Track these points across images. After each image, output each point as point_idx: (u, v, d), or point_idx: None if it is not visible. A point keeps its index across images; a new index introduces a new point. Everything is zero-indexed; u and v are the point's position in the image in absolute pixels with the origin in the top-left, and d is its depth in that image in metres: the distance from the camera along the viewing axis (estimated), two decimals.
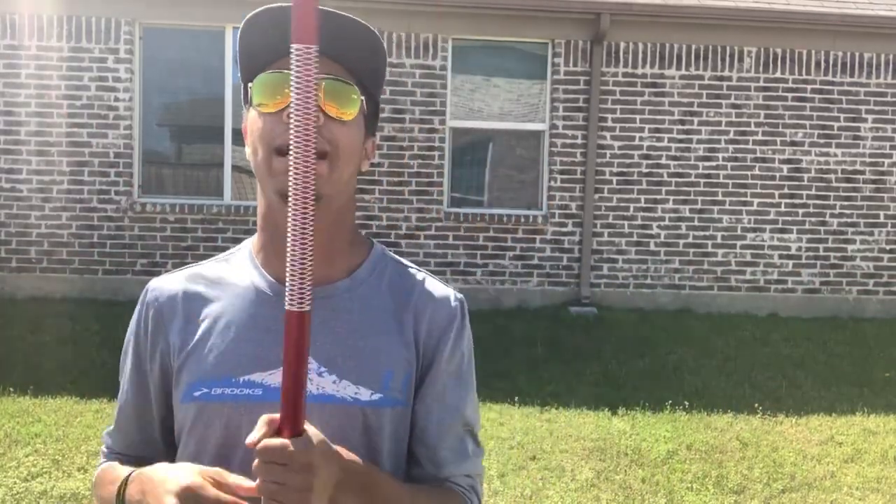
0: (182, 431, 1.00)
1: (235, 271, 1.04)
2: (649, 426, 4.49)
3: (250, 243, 1.07)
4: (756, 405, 4.87)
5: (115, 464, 1.07)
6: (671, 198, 7.11)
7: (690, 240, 7.16)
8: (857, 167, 7.22)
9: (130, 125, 6.76)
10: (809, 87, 7.13)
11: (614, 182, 7.07)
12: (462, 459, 1.05)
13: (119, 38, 6.69)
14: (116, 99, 6.72)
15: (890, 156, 7.24)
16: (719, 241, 7.19)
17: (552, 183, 7.04)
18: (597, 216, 7.07)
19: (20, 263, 6.74)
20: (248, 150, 1.00)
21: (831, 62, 7.13)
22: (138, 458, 1.05)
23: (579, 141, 7.02)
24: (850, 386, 5.37)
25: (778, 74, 7.10)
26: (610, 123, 7.04)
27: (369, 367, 0.98)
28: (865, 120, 7.18)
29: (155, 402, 1.05)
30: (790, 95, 7.12)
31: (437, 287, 1.06)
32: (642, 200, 7.10)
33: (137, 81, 6.81)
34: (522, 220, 7.03)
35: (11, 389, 4.63)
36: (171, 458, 1.02)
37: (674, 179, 7.10)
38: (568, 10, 6.79)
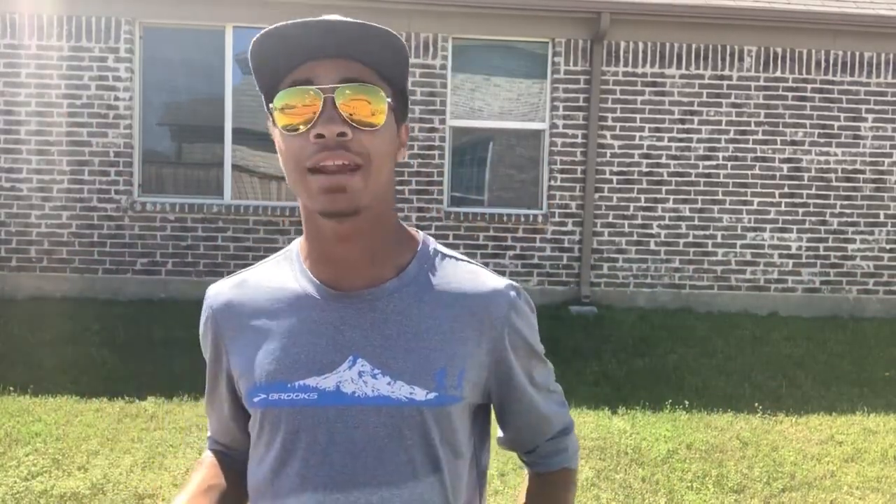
0: (252, 432, 1.03)
1: (284, 276, 1.03)
2: (649, 425, 4.49)
3: (297, 246, 1.06)
4: (756, 404, 4.87)
5: (201, 464, 1.13)
6: (671, 197, 7.11)
7: (690, 239, 7.17)
8: (858, 166, 7.22)
9: (130, 124, 6.76)
10: (810, 86, 7.13)
11: (614, 181, 7.07)
12: (554, 416, 1.11)
13: (119, 38, 6.69)
14: (116, 98, 6.72)
15: (890, 155, 7.24)
16: (719, 240, 7.19)
17: (552, 182, 7.04)
18: (597, 215, 7.07)
19: (20, 263, 6.74)
20: (280, 159, 0.96)
21: (832, 61, 7.13)
22: (224, 445, 1.16)
23: (579, 140, 7.02)
24: (850, 385, 5.37)
25: (778, 73, 7.10)
26: (610, 122, 7.04)
27: (422, 366, 0.96)
28: (866, 119, 7.18)
29: (226, 401, 1.10)
30: (790, 94, 7.12)
31: (490, 279, 1.03)
32: (642, 199, 7.10)
33: (137, 81, 6.81)
34: (522, 219, 7.03)
35: (11, 388, 4.63)
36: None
37: (674, 179, 7.10)
38: (568, 9, 6.79)
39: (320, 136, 0.87)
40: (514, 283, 1.04)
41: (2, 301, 6.51)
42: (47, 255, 6.76)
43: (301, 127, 0.89)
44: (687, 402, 4.82)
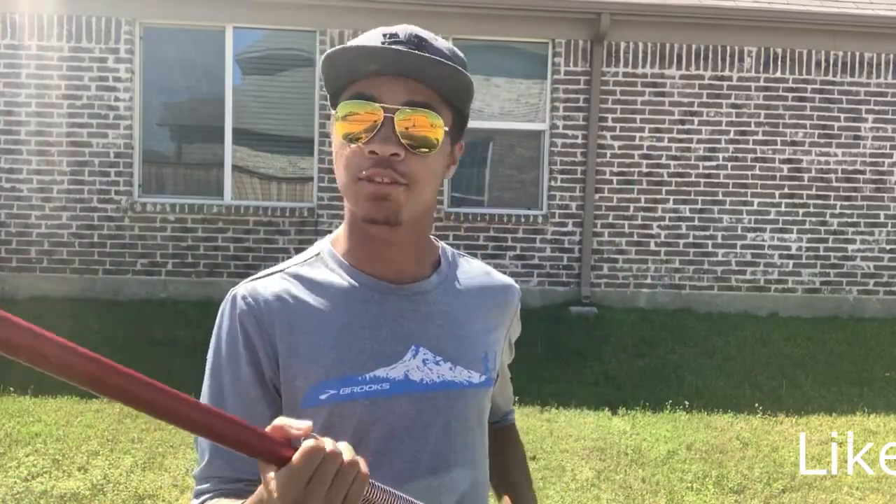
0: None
1: (327, 273, 1.03)
2: (649, 426, 4.49)
3: (328, 246, 1.06)
4: (756, 405, 4.87)
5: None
6: (671, 197, 7.11)
7: (690, 239, 7.16)
8: (858, 167, 7.22)
9: (131, 125, 6.76)
10: (810, 86, 7.13)
11: (614, 182, 7.07)
12: (510, 394, 1.32)
13: (119, 38, 6.69)
14: (117, 99, 6.72)
15: (890, 155, 7.24)
16: (719, 240, 7.18)
17: (552, 183, 7.04)
18: (597, 216, 7.07)
19: (20, 263, 6.74)
20: (334, 161, 1.01)
21: (831, 62, 7.13)
22: (243, 480, 0.96)
23: (579, 141, 7.02)
24: (850, 386, 5.37)
25: (778, 74, 7.10)
26: (610, 123, 7.04)
27: (472, 352, 1.05)
28: (866, 120, 7.18)
29: (265, 409, 0.98)
30: (790, 95, 7.12)
31: (499, 276, 1.17)
32: (642, 200, 7.10)
33: (137, 81, 6.81)
34: (523, 219, 7.03)
35: (11, 389, 4.63)
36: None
37: (674, 179, 7.10)
38: (568, 9, 6.79)
39: (374, 153, 0.92)
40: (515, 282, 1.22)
41: (2, 301, 6.51)
42: (47, 255, 6.75)
43: (363, 136, 0.93)
44: (687, 403, 4.82)
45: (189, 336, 5.81)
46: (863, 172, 7.22)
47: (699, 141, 7.09)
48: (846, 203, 7.23)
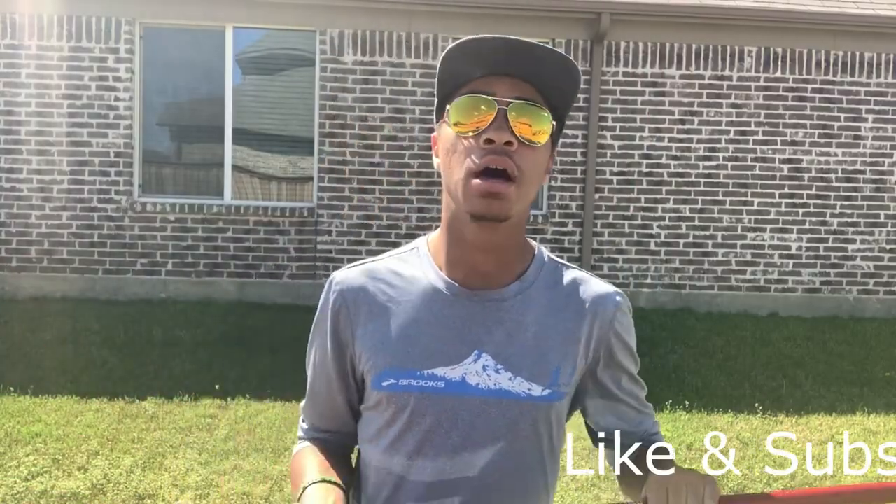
0: (368, 413, 1.11)
1: (415, 270, 1.11)
2: None
3: (425, 244, 1.14)
4: (756, 405, 4.87)
5: (306, 451, 1.16)
6: (671, 197, 7.11)
7: (691, 239, 7.17)
8: (858, 167, 7.22)
9: (131, 125, 6.76)
10: (810, 86, 7.13)
11: (615, 182, 7.07)
12: (645, 419, 1.23)
13: (119, 38, 6.69)
14: (117, 98, 6.72)
15: (890, 155, 7.24)
16: (719, 240, 7.19)
17: (552, 182, 7.04)
18: (597, 216, 7.07)
19: (20, 263, 6.74)
20: (436, 160, 1.09)
21: (832, 62, 7.13)
22: (327, 430, 1.19)
23: (580, 140, 7.02)
24: (850, 386, 5.37)
25: (778, 74, 7.10)
26: (610, 123, 7.04)
27: (540, 364, 1.07)
28: (866, 119, 7.18)
29: (340, 382, 1.13)
30: (790, 95, 7.12)
31: (600, 286, 1.14)
32: (642, 200, 7.10)
33: (137, 81, 6.81)
34: None
35: (12, 389, 4.63)
36: (356, 429, 1.15)
37: (674, 179, 7.10)
38: (568, 9, 6.79)
39: (490, 141, 0.98)
40: (619, 290, 1.16)
41: (2, 301, 6.51)
42: (47, 255, 6.76)
43: (479, 127, 1.00)
44: (687, 403, 4.82)
45: (189, 336, 5.81)
46: (863, 172, 7.22)
47: (699, 141, 7.09)
48: (846, 203, 7.23)
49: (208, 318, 6.30)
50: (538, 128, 1.01)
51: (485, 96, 1.00)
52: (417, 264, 1.11)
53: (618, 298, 1.14)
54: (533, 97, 1.01)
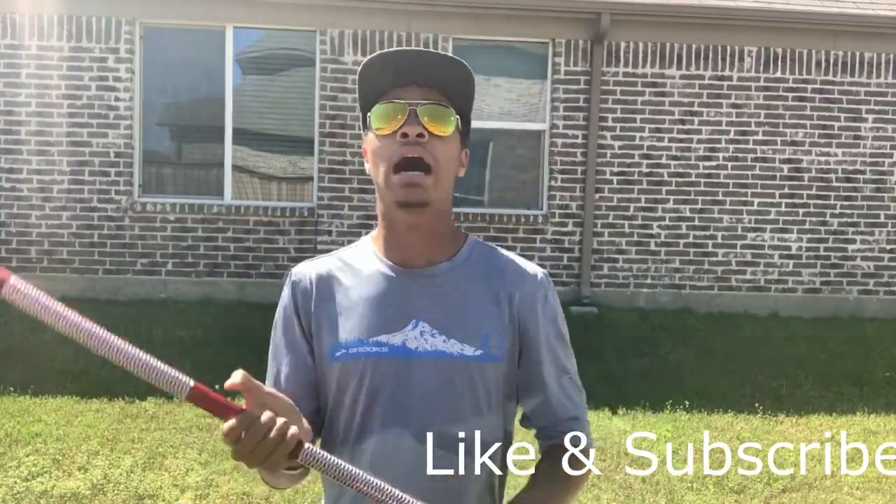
0: (327, 385, 1.25)
1: (361, 259, 1.29)
2: (649, 426, 4.49)
3: (368, 238, 1.32)
4: (756, 405, 4.87)
5: None
6: (671, 197, 7.11)
7: (691, 239, 7.16)
8: (858, 167, 7.21)
9: (131, 125, 6.76)
10: (810, 86, 7.12)
11: (615, 182, 7.07)
12: (568, 401, 1.30)
13: (119, 38, 6.69)
14: (117, 98, 6.72)
15: (890, 155, 7.23)
16: (720, 240, 7.18)
17: (552, 182, 7.04)
18: (597, 216, 7.07)
19: (20, 263, 6.74)
20: (368, 165, 1.27)
21: (832, 62, 7.13)
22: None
23: (580, 140, 7.02)
24: (850, 386, 5.37)
25: (778, 74, 7.09)
26: (610, 123, 7.04)
27: (471, 328, 1.22)
28: (866, 120, 7.18)
29: (310, 356, 1.26)
30: (790, 95, 7.12)
31: (525, 264, 1.31)
32: (643, 200, 7.10)
33: (138, 81, 6.81)
34: (523, 219, 7.03)
35: (12, 389, 4.63)
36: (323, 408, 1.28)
37: (674, 179, 7.10)
38: (568, 9, 6.78)
39: (405, 135, 1.18)
40: (543, 269, 1.32)
41: (2, 301, 6.51)
42: (47, 255, 6.75)
43: (394, 126, 1.19)
44: (687, 403, 4.82)
45: (189, 336, 5.81)
46: (863, 172, 7.22)
47: (699, 141, 7.09)
48: (846, 203, 7.23)
49: (208, 318, 6.30)
50: (443, 121, 1.21)
51: (398, 101, 1.19)
52: (362, 254, 1.29)
53: (542, 277, 1.30)
54: (437, 99, 1.21)
